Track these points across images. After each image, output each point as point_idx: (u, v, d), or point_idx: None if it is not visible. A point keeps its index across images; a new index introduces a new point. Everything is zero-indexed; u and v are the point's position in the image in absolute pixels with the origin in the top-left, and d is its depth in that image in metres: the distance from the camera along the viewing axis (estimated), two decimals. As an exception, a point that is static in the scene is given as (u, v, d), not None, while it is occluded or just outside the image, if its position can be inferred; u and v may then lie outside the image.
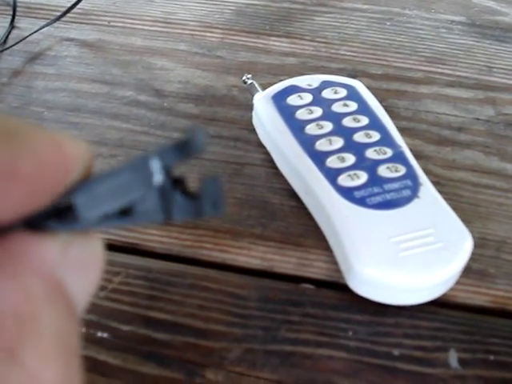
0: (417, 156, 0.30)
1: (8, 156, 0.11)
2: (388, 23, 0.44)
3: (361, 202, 0.27)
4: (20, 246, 0.13)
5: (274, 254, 0.28)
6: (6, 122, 0.12)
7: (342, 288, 0.27)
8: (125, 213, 0.14)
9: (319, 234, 0.28)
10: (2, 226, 0.12)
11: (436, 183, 0.31)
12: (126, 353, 0.24)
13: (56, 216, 0.13)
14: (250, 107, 0.34)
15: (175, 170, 0.13)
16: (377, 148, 0.29)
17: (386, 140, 0.30)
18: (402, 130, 0.32)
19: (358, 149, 0.29)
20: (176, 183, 0.13)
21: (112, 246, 0.29)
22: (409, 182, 0.28)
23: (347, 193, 0.27)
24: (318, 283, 0.27)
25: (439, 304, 0.26)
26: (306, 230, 0.29)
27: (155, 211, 0.14)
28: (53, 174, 0.12)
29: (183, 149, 0.13)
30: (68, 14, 0.42)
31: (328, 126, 0.30)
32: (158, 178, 0.13)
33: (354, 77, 0.38)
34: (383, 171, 0.28)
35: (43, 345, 0.12)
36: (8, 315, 0.11)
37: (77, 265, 0.13)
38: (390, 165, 0.28)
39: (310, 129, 0.30)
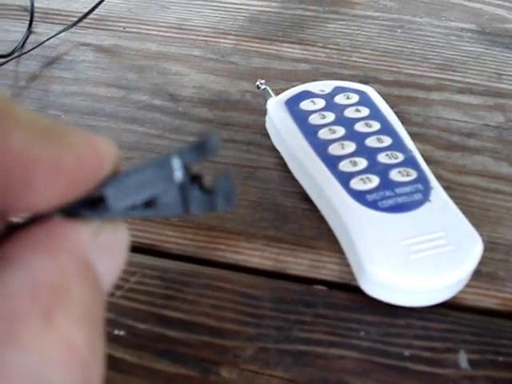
0: (427, 161, 0.31)
1: (53, 152, 0.13)
2: (399, 30, 0.45)
3: (373, 205, 0.27)
4: (58, 229, 0.14)
5: (286, 256, 0.29)
6: (48, 122, 0.13)
7: (353, 290, 0.27)
8: (149, 205, 0.15)
9: (331, 237, 0.29)
10: (44, 212, 0.14)
11: (446, 188, 0.31)
12: (141, 350, 0.25)
13: (89, 205, 0.15)
14: (263, 112, 0.34)
15: (193, 168, 0.15)
16: (388, 152, 0.30)
17: (398, 145, 0.30)
18: (412, 136, 0.32)
19: (369, 153, 0.30)
20: (194, 179, 0.15)
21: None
22: (420, 186, 0.28)
23: (359, 196, 0.28)
24: (330, 285, 0.28)
25: (449, 306, 0.27)
26: (318, 233, 0.30)
27: (175, 204, 0.15)
28: (88, 168, 0.14)
29: (199, 150, 0.14)
30: (84, 20, 0.43)
31: (340, 131, 0.31)
32: (179, 174, 0.14)
33: (365, 83, 0.38)
34: (395, 175, 0.29)
35: (74, 312, 0.13)
36: (45, 285, 0.13)
37: (105, 249, 0.15)
38: (401, 169, 0.29)
39: (323, 133, 0.31)
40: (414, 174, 0.29)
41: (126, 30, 0.44)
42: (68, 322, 0.13)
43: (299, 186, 0.31)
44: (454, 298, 0.27)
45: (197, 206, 0.15)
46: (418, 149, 0.31)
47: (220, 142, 0.14)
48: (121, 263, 0.15)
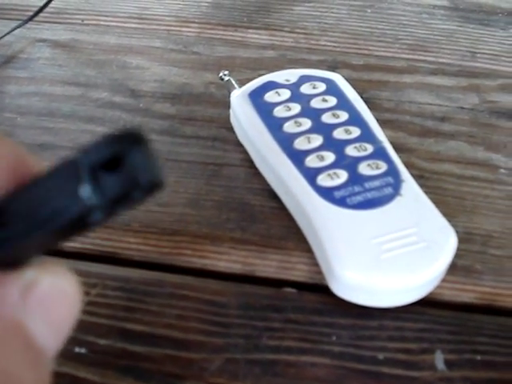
0: (399, 149, 0.30)
1: None
2: (369, 11, 0.43)
3: (341, 202, 0.26)
4: None
5: (254, 258, 0.27)
6: None
7: (324, 290, 0.26)
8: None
9: (301, 236, 0.28)
10: None
11: (419, 177, 0.30)
12: (104, 368, 0.24)
13: None
14: (228, 104, 0.33)
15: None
16: (357, 144, 0.28)
17: (367, 135, 0.29)
18: (384, 123, 0.31)
19: (337, 146, 0.28)
20: (107, 165, 0.12)
21: (89, 256, 0.28)
22: (390, 179, 0.27)
23: (327, 193, 0.26)
24: (301, 286, 0.27)
25: (425, 303, 0.26)
26: (287, 232, 0.28)
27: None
28: None
29: (116, 143, 0.12)
30: (41, 14, 0.41)
31: (307, 123, 0.30)
32: (86, 190, 0.12)
33: (334, 68, 0.37)
34: (364, 169, 0.27)
35: None
36: None
37: (44, 305, 0.13)
38: (370, 162, 0.28)
39: (289, 126, 0.29)
40: (383, 167, 0.27)
41: (85, 22, 0.42)
42: None
43: (266, 183, 0.30)
44: (429, 294, 0.26)
45: (111, 191, 0.12)
46: (390, 136, 0.30)
47: (147, 135, 0.12)
48: (69, 315, 0.14)
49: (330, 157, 0.28)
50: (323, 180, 0.27)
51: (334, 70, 0.34)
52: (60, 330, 0.13)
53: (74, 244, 0.28)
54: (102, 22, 0.42)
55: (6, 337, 0.12)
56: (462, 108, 0.35)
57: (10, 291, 0.13)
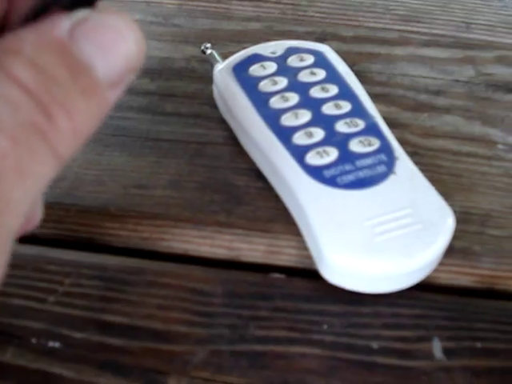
0: (392, 124, 0.28)
1: None
2: (359, -20, 0.41)
3: (331, 181, 0.24)
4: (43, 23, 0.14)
5: (240, 243, 0.26)
6: None
7: (314, 275, 0.24)
8: None
9: (289, 218, 0.26)
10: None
11: (413, 154, 0.29)
12: (80, 363, 0.22)
13: None
14: (211, 79, 0.31)
15: None
16: (348, 120, 0.27)
17: (358, 110, 0.27)
18: (375, 97, 0.29)
19: (327, 122, 0.27)
20: None
21: (64, 243, 0.26)
22: (383, 157, 0.25)
23: (316, 172, 0.25)
24: (289, 271, 0.25)
25: (421, 288, 0.24)
26: (274, 214, 0.27)
27: None
28: None
29: None
30: None
31: (294, 98, 0.28)
32: None
33: (323, 40, 0.35)
34: (355, 146, 0.26)
35: None
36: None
37: (95, 38, 0.14)
38: (362, 138, 0.26)
39: (275, 102, 0.28)
40: (376, 143, 0.26)
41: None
42: None
43: (252, 162, 0.28)
44: (426, 278, 0.24)
45: None
46: (382, 111, 0.28)
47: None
48: (122, 54, 0.14)
49: (319, 133, 0.26)
50: (312, 158, 0.25)
51: (322, 42, 0.32)
52: (114, 62, 0.14)
53: (48, 230, 0.26)
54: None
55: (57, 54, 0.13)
56: (457, 81, 0.34)
57: (60, 23, 0.13)
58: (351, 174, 0.25)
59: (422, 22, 0.38)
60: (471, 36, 0.37)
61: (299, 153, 0.25)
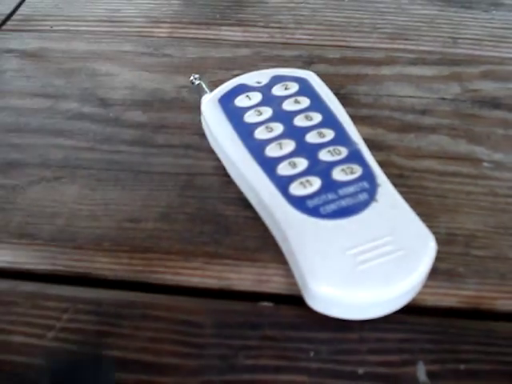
0: (378, 147, 0.29)
1: None
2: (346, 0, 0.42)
3: (314, 211, 0.25)
4: None
5: (229, 272, 0.27)
6: None
7: (303, 302, 0.25)
8: None
9: (276, 247, 0.27)
10: None
11: (399, 176, 0.29)
12: (76, 397, 0.23)
13: None
14: (200, 110, 0.32)
15: None
16: (331, 148, 0.27)
17: (341, 137, 0.28)
18: (362, 119, 0.30)
19: (310, 151, 0.27)
20: None
21: (61, 278, 0.27)
22: (365, 184, 0.26)
23: (299, 203, 0.25)
24: (278, 299, 0.26)
25: (407, 311, 0.25)
26: (262, 243, 0.27)
27: None
28: None
29: None
30: (8, 22, 0.40)
31: (278, 128, 0.28)
32: None
33: (310, 64, 0.36)
34: (338, 174, 0.26)
35: None
36: None
37: None
38: (344, 166, 0.27)
39: (260, 132, 0.28)
40: (358, 171, 0.26)
41: (53, 28, 0.41)
42: None
43: (240, 192, 0.29)
44: (412, 300, 0.25)
45: None
46: (368, 134, 0.29)
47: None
48: None
49: (302, 163, 0.27)
50: (295, 189, 0.26)
51: (309, 66, 0.33)
52: None
53: (45, 266, 0.27)
54: (71, 28, 0.40)
55: None
56: (444, 99, 0.34)
57: None
58: (334, 203, 0.25)
59: (409, 40, 0.38)
60: (458, 51, 0.38)
61: (283, 183, 0.26)
